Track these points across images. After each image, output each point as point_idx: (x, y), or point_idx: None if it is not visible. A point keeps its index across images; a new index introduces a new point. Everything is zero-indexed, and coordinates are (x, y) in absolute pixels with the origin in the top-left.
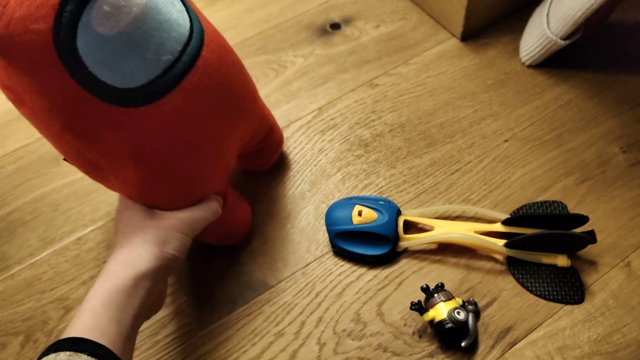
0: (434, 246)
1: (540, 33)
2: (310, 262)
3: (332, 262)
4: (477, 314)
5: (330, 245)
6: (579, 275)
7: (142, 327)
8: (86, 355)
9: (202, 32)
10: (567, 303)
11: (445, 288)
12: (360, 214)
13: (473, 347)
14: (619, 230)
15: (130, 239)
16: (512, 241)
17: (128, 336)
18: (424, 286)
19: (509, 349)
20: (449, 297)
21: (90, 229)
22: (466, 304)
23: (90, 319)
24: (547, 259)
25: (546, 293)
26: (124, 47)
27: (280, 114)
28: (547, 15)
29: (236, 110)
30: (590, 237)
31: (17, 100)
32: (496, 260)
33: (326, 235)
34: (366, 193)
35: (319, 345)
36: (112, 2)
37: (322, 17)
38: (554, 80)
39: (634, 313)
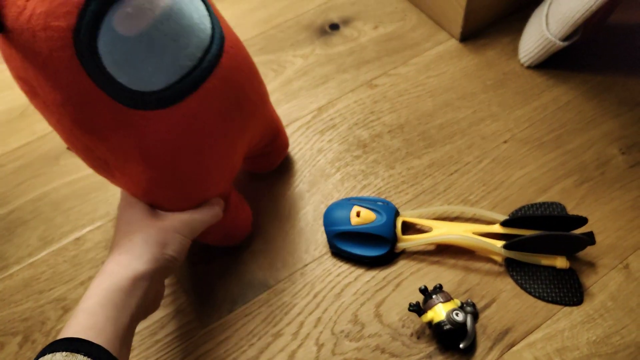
0: (432, 247)
1: (539, 34)
2: (309, 263)
3: (331, 263)
4: (475, 316)
5: (328, 246)
6: (577, 276)
7: (141, 327)
8: (82, 356)
9: (222, 38)
10: (565, 304)
11: (443, 289)
12: (358, 214)
13: (471, 349)
14: (617, 232)
15: (130, 239)
16: (511, 242)
17: (125, 336)
18: (422, 287)
19: (508, 351)
20: (448, 299)
21: (89, 228)
22: (464, 305)
23: (87, 319)
24: (546, 261)
25: (545, 294)
26: (144, 50)
27: (280, 113)
28: (546, 16)
29: (248, 115)
30: (589, 239)
31: (30, 92)
32: (495, 262)
33: (325, 235)
34: (365, 194)
35: (317, 346)
36: (136, 4)
37: (321, 18)
38: (553, 81)
39: (632, 315)
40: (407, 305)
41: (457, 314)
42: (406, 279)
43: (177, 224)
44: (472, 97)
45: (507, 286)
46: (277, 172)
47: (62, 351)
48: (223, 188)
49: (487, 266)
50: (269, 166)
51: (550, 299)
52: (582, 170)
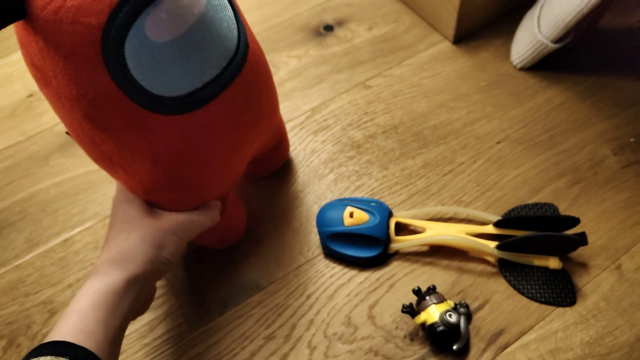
0: (425, 248)
1: (532, 36)
2: (302, 264)
3: (324, 264)
4: (468, 317)
5: (322, 247)
6: (570, 277)
7: (129, 330)
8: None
9: (247, 47)
10: (558, 305)
11: (437, 290)
12: (351, 215)
13: (465, 350)
14: (610, 232)
15: (126, 237)
16: (504, 243)
17: (115, 339)
18: (416, 288)
19: (501, 352)
20: (441, 300)
21: (77, 230)
22: (458, 306)
23: (77, 321)
24: (538, 261)
25: (538, 295)
26: (171, 56)
27: None
28: (538, 18)
29: (260, 125)
30: (581, 239)
31: (43, 80)
32: (488, 263)
33: (318, 236)
34: (358, 194)
35: (310, 348)
36: (171, 10)
37: (316, 19)
38: (546, 82)
39: (625, 315)
40: (401, 307)
41: (450, 315)
42: (399, 280)
43: (175, 226)
44: (466, 98)
45: (500, 287)
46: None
47: (47, 355)
48: (224, 192)
49: (481, 267)
50: (268, 170)
51: (543, 299)
52: (574, 171)
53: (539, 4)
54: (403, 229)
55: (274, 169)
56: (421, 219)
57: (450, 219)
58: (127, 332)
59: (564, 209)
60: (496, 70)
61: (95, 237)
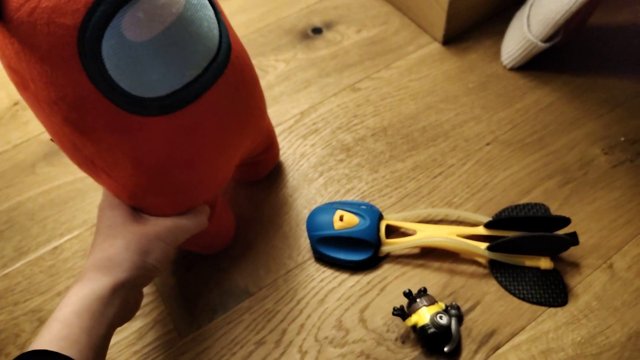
0: (416, 250)
1: (521, 36)
2: (292, 269)
3: (314, 268)
4: (460, 318)
5: (312, 251)
6: (562, 277)
7: (118, 337)
8: None
9: (229, 48)
10: (550, 306)
11: (428, 292)
12: (341, 219)
13: (456, 352)
14: (601, 232)
15: (111, 243)
16: (495, 244)
17: (100, 346)
18: (407, 291)
19: (493, 353)
20: (432, 302)
21: (66, 238)
22: (449, 308)
23: (61, 329)
24: (530, 262)
25: (529, 296)
26: (149, 56)
27: None
28: (528, 18)
29: (246, 128)
30: (572, 239)
31: (21, 84)
32: (479, 264)
33: (308, 241)
34: (348, 198)
35: (301, 353)
36: (148, 10)
37: (303, 22)
38: (535, 83)
39: (617, 314)
40: (392, 310)
41: (441, 317)
42: (390, 283)
43: (161, 231)
44: (455, 99)
45: (491, 288)
46: None
47: None
48: (211, 196)
49: (472, 268)
50: (257, 175)
51: (534, 300)
52: (565, 171)
53: (528, 3)
54: (394, 231)
55: (264, 173)
56: (412, 221)
57: (441, 221)
58: (116, 340)
59: (555, 209)
60: (485, 72)
61: (84, 244)
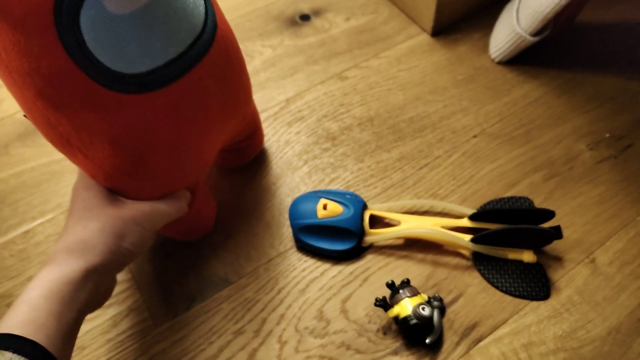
0: (400, 241)
1: (510, 29)
2: (274, 258)
3: (296, 258)
4: (442, 310)
5: (294, 240)
6: (545, 271)
7: (92, 325)
8: (11, 353)
9: (215, 27)
10: (532, 299)
11: (410, 284)
12: (325, 207)
13: (438, 344)
14: (584, 227)
15: (85, 226)
16: (479, 236)
17: (69, 332)
18: (390, 282)
19: (474, 346)
20: (415, 293)
21: (39, 221)
22: (432, 299)
23: (27, 312)
24: (513, 255)
25: (512, 289)
26: (131, 29)
27: None
28: (517, 11)
29: (230, 111)
30: (556, 233)
31: None
32: (463, 256)
33: (290, 229)
34: (333, 187)
35: (280, 343)
36: None
37: (291, 8)
38: (523, 77)
39: (598, 309)
40: (374, 301)
41: (423, 309)
42: (374, 274)
43: (138, 215)
44: (442, 91)
45: (474, 280)
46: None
47: None
48: (192, 182)
49: (455, 260)
50: (240, 161)
51: (517, 293)
52: (550, 165)
53: None
54: (378, 222)
55: (247, 160)
56: (396, 212)
57: (426, 212)
58: (89, 327)
59: (540, 203)
60: (474, 64)
61: (57, 228)
